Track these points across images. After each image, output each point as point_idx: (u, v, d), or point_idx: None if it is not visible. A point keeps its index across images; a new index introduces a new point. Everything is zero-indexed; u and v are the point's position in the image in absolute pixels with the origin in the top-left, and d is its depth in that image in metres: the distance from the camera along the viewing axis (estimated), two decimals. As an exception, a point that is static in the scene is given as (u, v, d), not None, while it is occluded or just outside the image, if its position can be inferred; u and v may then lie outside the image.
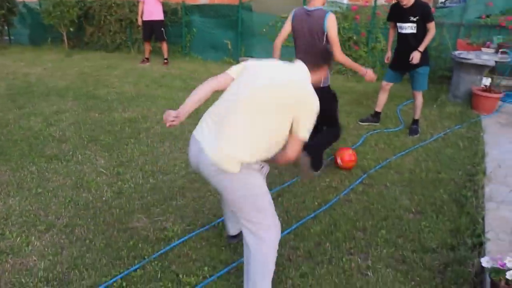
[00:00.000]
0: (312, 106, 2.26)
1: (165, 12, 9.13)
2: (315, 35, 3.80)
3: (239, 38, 9.37)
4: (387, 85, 5.47)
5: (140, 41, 10.08)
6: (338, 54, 3.84)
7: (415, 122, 5.39)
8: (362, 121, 5.64)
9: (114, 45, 10.64)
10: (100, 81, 7.56)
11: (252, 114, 2.20)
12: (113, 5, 10.30)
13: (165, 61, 9.20)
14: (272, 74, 2.31)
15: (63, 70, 8.42)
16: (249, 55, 9.16)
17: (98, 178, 3.97)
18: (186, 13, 9.78)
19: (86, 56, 9.94)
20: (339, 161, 4.21)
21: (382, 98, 5.57)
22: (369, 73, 4.06)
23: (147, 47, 9.29)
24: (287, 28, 4.03)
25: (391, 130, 5.43)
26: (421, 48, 4.92)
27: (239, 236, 2.92)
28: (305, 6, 3.92)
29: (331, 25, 3.76)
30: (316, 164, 4.04)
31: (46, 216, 3.34)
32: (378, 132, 5.29)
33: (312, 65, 2.44)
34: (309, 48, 3.73)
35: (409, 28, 4.99)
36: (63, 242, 3.03)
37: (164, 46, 9.17)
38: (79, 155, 4.44)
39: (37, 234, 3.10)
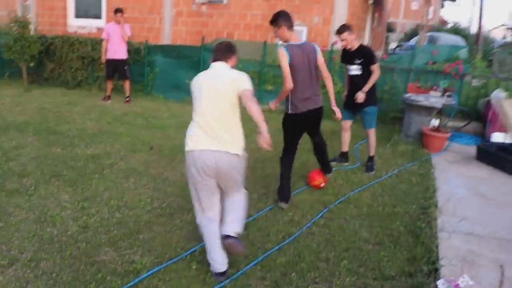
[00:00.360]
0: (241, 75, 3.14)
1: (128, 51, 9.23)
2: (312, 64, 4.29)
3: (201, 78, 9.50)
4: (345, 124, 5.74)
5: (101, 79, 10.07)
6: (327, 73, 4.52)
7: (370, 159, 5.67)
8: (330, 161, 5.81)
9: (75, 82, 10.55)
10: (61, 117, 7.48)
11: (221, 104, 3.07)
12: (75, 42, 10.30)
13: (127, 99, 9.22)
14: (213, 76, 3.17)
15: (22, 105, 8.27)
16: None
17: (63, 212, 3.94)
18: (149, 53, 9.93)
19: (46, 92, 9.81)
20: (315, 182, 4.89)
21: (345, 137, 5.81)
22: (337, 111, 4.75)
23: (109, 85, 9.28)
24: (289, 68, 4.13)
25: (349, 167, 5.69)
26: (365, 88, 5.25)
27: (226, 272, 3.10)
28: (292, 42, 4.22)
29: (321, 52, 4.41)
30: (328, 167, 5.10)
31: (8, 250, 3.28)
32: (336, 170, 5.51)
33: (225, 58, 3.25)
34: (310, 78, 4.30)
35: (355, 70, 5.39)
36: (27, 276, 2.98)
37: (127, 84, 9.21)
38: (42, 190, 4.38)
39: (0, 269, 3.03)
